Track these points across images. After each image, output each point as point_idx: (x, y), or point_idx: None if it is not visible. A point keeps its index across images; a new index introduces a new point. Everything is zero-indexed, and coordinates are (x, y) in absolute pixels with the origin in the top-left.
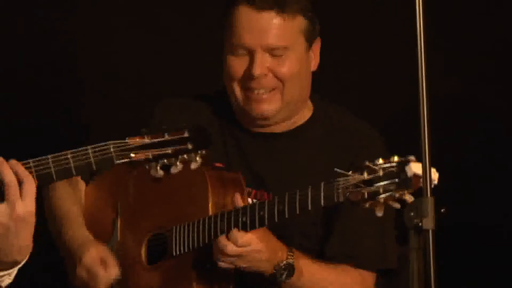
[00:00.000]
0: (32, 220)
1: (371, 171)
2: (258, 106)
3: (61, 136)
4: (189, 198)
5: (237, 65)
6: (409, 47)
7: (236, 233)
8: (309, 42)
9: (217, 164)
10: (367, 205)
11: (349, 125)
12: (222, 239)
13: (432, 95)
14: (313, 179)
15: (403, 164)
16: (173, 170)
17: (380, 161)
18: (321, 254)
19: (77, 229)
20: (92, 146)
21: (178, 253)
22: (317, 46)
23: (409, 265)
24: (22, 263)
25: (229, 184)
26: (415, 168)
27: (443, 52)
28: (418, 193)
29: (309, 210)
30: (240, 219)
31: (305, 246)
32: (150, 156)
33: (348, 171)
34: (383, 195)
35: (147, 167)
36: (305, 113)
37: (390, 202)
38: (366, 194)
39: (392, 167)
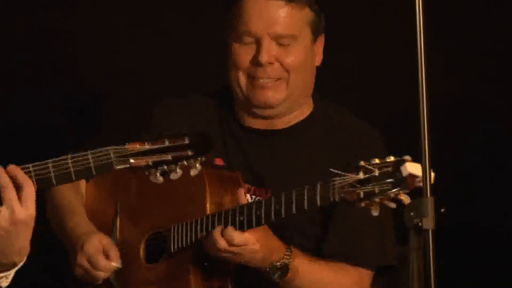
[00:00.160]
0: (32, 223)
1: (367, 171)
2: (263, 92)
3: (61, 136)
4: (187, 198)
5: (243, 53)
6: (409, 47)
7: (232, 232)
8: (315, 35)
9: (218, 160)
10: (362, 204)
11: (349, 125)
12: (216, 233)
13: (432, 95)
14: (312, 178)
15: (398, 164)
16: (173, 176)
17: (376, 161)
18: (320, 253)
19: (79, 219)
20: (92, 151)
21: (176, 251)
22: (321, 42)
23: (409, 265)
24: (20, 265)
25: (227, 183)
26: (411, 168)
27: (443, 52)
28: (417, 193)
29: (305, 210)
30: (237, 218)
31: (305, 246)
32: (150, 163)
33: (345, 171)
34: (378, 195)
35: (146, 173)
36: (305, 111)
37: (386, 202)
38: (361, 193)
39: (388, 167)
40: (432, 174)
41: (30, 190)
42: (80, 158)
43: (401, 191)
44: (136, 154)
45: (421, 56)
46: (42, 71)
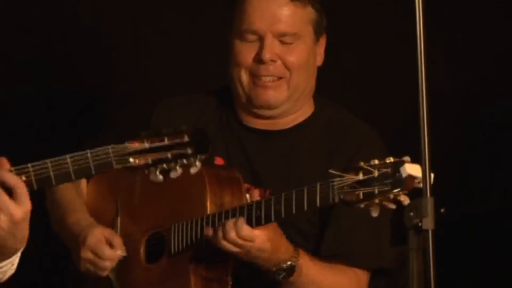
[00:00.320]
0: (29, 213)
1: (367, 172)
2: (264, 92)
3: (61, 136)
4: (187, 197)
5: (246, 51)
6: (409, 47)
7: (242, 224)
8: (317, 35)
9: (218, 159)
10: (362, 205)
11: (349, 126)
12: (230, 223)
13: (432, 95)
14: (312, 179)
15: (397, 165)
16: (173, 174)
17: (376, 162)
18: (316, 253)
19: (81, 215)
20: (91, 150)
21: (176, 251)
22: (323, 42)
23: (408, 265)
24: (22, 249)
25: (227, 182)
26: (410, 169)
27: (443, 52)
28: (417, 193)
29: (305, 210)
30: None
31: (305, 246)
32: (149, 161)
33: (344, 172)
34: (378, 196)
35: (146, 171)
36: (307, 111)
37: (385, 203)
38: (361, 194)
39: (387, 168)
40: (432, 174)
41: (21, 187)
42: (79, 157)
43: (400, 192)
44: (136, 153)
45: (421, 56)
46: (42, 71)
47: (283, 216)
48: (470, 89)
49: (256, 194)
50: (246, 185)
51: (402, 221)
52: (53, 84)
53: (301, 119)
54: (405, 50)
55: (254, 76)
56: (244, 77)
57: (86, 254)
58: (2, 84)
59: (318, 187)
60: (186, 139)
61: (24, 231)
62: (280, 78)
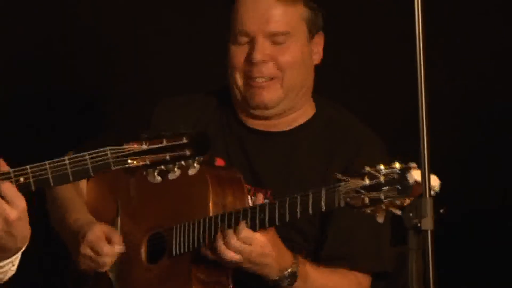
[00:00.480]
0: (26, 212)
1: (372, 177)
2: (259, 92)
3: (61, 136)
4: (189, 198)
5: (239, 53)
6: (409, 47)
7: (242, 227)
8: (312, 33)
9: (219, 160)
10: (368, 210)
11: (349, 126)
12: (229, 232)
13: (432, 95)
14: (312, 179)
15: (404, 171)
16: (171, 176)
17: (381, 167)
18: (317, 255)
19: (81, 214)
20: (90, 152)
21: (177, 252)
22: (320, 40)
23: (408, 265)
24: (24, 248)
25: (228, 183)
26: (417, 175)
27: (443, 52)
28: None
29: (310, 215)
30: (240, 221)
31: (306, 249)
32: (148, 163)
33: (349, 176)
34: (385, 201)
35: (144, 173)
36: (308, 112)
37: (391, 209)
38: (367, 200)
39: (394, 173)
40: (438, 181)
41: (9, 187)
42: (77, 159)
43: (407, 198)
44: (134, 154)
45: (420, 56)
46: (42, 71)
47: (287, 220)
48: (469, 89)
49: (260, 198)
50: (247, 186)
51: (402, 221)
52: (53, 84)
53: (302, 120)
54: (404, 50)
55: (248, 77)
56: (239, 79)
57: (85, 250)
58: (2, 84)
59: (323, 191)
60: (184, 140)
61: (23, 230)
62: (273, 78)
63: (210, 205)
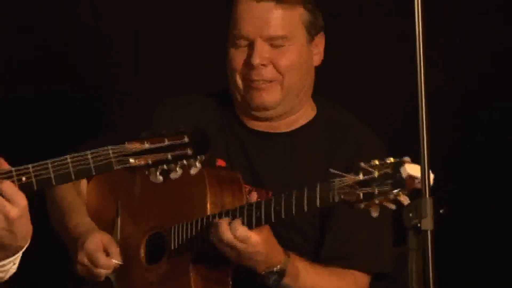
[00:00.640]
0: (27, 210)
1: (367, 172)
2: (259, 94)
3: (61, 136)
4: (187, 197)
5: (238, 57)
6: (409, 47)
7: (238, 225)
8: (311, 34)
9: (219, 161)
10: (362, 205)
11: (349, 126)
12: (223, 224)
13: (432, 95)
14: (313, 179)
15: (397, 165)
16: (173, 175)
17: (376, 162)
18: (316, 256)
19: (81, 219)
20: (92, 151)
21: (177, 252)
22: (321, 41)
23: (408, 265)
24: (25, 247)
25: (227, 183)
26: (410, 169)
27: (443, 52)
28: (416, 194)
29: (305, 211)
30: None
31: (306, 249)
32: (150, 162)
33: (344, 172)
34: (378, 196)
35: (146, 172)
36: (308, 113)
37: (385, 203)
38: (361, 195)
39: (387, 168)
40: (432, 175)
41: (9, 186)
42: (79, 158)
43: (400, 192)
44: (136, 154)
45: (420, 56)
46: (42, 71)
47: (283, 216)
48: (469, 89)
49: (254, 197)
50: (247, 187)
51: (401, 221)
52: (53, 84)
53: (303, 121)
54: (404, 50)
55: (247, 80)
56: (239, 81)
57: (83, 259)
58: (2, 84)
59: (318, 187)
60: (186, 140)
61: (24, 228)
62: (272, 81)
63: (208, 205)
